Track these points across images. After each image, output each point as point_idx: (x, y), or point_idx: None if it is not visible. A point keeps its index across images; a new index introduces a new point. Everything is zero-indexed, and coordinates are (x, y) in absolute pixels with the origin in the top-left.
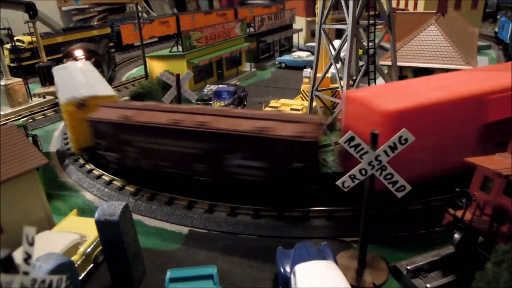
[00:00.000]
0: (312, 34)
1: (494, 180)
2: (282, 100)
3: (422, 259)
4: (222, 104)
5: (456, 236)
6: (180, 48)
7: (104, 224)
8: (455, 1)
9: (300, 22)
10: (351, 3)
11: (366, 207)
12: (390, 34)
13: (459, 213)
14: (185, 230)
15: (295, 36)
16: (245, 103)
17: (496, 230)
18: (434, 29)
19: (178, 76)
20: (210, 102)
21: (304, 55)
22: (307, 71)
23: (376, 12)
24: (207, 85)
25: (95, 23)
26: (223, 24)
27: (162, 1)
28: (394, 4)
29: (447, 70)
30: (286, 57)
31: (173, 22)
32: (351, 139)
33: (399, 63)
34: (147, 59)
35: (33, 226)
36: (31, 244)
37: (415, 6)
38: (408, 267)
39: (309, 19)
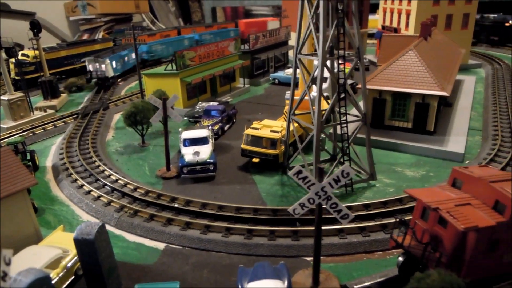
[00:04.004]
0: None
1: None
2: (265, 121)
3: (370, 279)
4: (211, 123)
5: (400, 259)
6: (174, 66)
7: (82, 242)
8: (446, 21)
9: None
10: (320, 37)
11: (316, 231)
12: (360, 65)
13: (400, 239)
14: (162, 246)
15: (291, 52)
16: (235, 120)
17: (429, 256)
18: (412, 54)
19: (164, 100)
20: (200, 120)
21: (288, 72)
22: (288, 93)
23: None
24: (199, 103)
25: (101, 33)
26: (216, 43)
27: (168, 11)
28: (387, 23)
29: (423, 95)
30: (279, 74)
31: (174, 35)
32: (299, 172)
33: (379, 87)
34: (144, 77)
35: (10, 249)
36: (8, 264)
37: (407, 26)
38: (355, 287)
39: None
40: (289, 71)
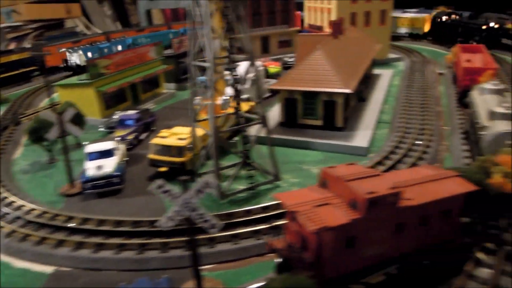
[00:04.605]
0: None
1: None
2: (175, 129)
3: (253, 284)
4: (126, 133)
5: (277, 261)
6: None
7: None
8: (365, 18)
9: None
10: (207, 43)
11: (190, 242)
12: (252, 69)
13: (275, 242)
14: (50, 269)
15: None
16: (153, 128)
17: (295, 257)
18: (319, 54)
19: (60, 114)
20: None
21: (226, 73)
22: (198, 99)
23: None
24: (117, 112)
25: (30, 41)
26: (135, 49)
27: (104, 15)
28: (313, 21)
29: (330, 94)
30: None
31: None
32: (160, 186)
33: (289, 87)
34: (57, 87)
35: None
36: None
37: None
38: None
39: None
40: None
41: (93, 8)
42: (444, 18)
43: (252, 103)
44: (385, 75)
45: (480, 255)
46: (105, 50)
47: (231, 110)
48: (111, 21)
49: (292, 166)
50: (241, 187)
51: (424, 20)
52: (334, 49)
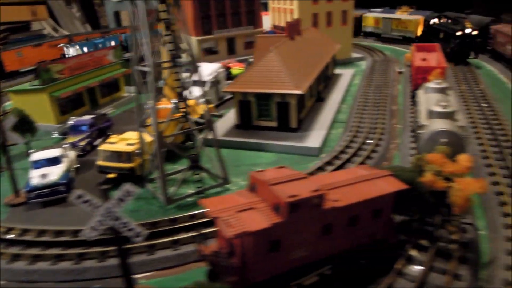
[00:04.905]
0: (205, 51)
1: None
2: (126, 134)
3: None
4: (78, 139)
5: (207, 268)
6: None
7: None
8: (326, 19)
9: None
10: (145, 47)
11: (119, 251)
12: (194, 73)
13: (204, 249)
14: None
15: (184, 55)
16: (109, 133)
17: (222, 263)
18: (272, 56)
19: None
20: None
21: (184, 75)
22: (150, 103)
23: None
24: (72, 118)
25: None
26: (91, 53)
27: (73, 17)
28: (277, 22)
29: (283, 95)
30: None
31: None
32: (79, 196)
33: (241, 89)
34: (11, 94)
35: None
36: None
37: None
38: None
39: (199, 38)
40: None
41: (61, 10)
42: (432, 21)
43: (211, 106)
44: (346, 75)
45: (414, 253)
46: (100, 45)
47: (179, 115)
48: (80, 23)
49: (244, 169)
50: (190, 191)
51: (418, 22)
52: (289, 50)
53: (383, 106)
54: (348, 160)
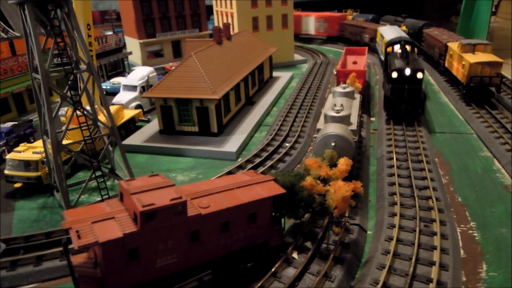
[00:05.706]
0: (151, 54)
1: None
2: (37, 142)
3: None
4: None
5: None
6: None
7: None
8: (267, 22)
9: (133, 44)
10: (36, 53)
11: None
12: (94, 80)
13: (75, 258)
14: None
15: (132, 57)
16: (32, 140)
17: (85, 273)
18: (192, 60)
19: None
20: None
21: (121, 81)
22: (63, 110)
23: None
24: None
25: None
26: (17, 58)
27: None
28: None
29: (201, 100)
30: (106, 84)
31: (5, 48)
32: None
33: (159, 95)
34: None
35: None
36: None
37: (233, 28)
38: None
39: (142, 41)
40: (116, 80)
41: (12, 10)
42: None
43: (137, 111)
44: (284, 78)
45: (294, 255)
46: None
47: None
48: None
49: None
50: (98, 199)
51: None
52: (212, 55)
53: (311, 109)
54: (260, 164)
